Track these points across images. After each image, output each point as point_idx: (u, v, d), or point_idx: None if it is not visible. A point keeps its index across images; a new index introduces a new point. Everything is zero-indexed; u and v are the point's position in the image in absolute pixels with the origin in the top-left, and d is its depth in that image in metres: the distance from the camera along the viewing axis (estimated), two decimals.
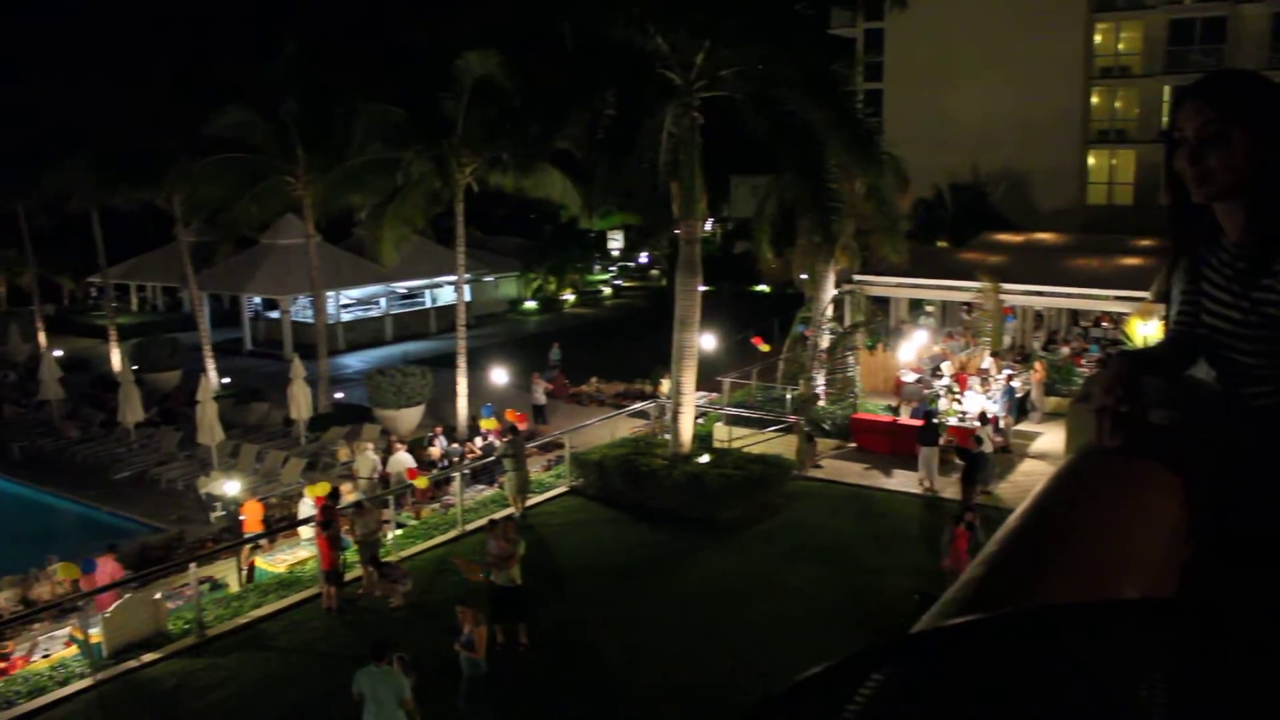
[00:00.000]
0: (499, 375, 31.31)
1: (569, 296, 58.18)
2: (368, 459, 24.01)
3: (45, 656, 16.66)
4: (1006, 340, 32.20)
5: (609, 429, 26.68)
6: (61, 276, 59.84)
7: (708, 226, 41.51)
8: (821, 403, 25.97)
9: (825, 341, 27.38)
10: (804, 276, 28.47)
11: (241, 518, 21.05)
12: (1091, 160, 47.52)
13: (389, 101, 27.69)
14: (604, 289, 62.81)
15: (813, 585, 17.58)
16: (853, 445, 25.50)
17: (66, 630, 17.44)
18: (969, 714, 1.00)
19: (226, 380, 35.20)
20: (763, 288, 52.10)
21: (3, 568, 20.30)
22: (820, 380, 26.89)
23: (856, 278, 30.37)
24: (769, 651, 14.99)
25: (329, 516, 17.10)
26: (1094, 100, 47.05)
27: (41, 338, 43.92)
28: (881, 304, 32.39)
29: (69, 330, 51.45)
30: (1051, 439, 24.99)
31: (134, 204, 38.27)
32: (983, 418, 23.54)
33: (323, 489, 19.97)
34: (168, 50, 49.40)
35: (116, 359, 39.26)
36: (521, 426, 27.50)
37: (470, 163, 27.61)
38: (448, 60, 26.13)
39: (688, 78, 20.84)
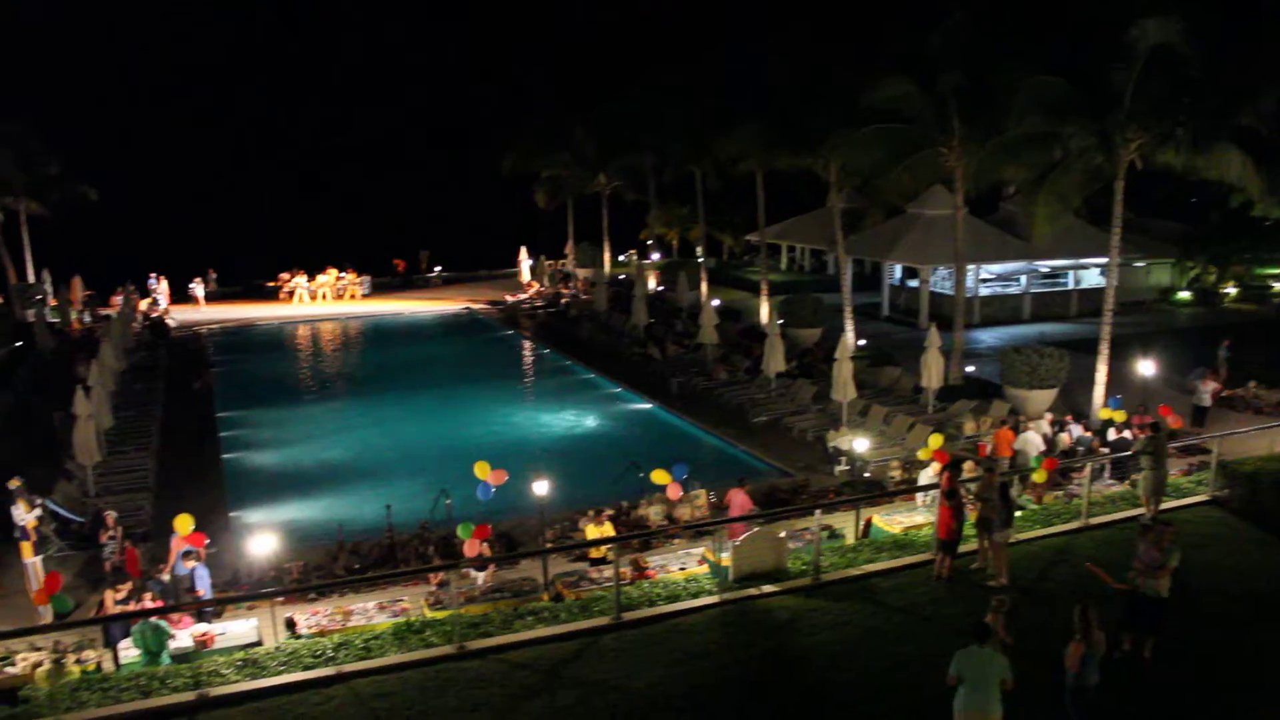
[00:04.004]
0: (1144, 367, 29.24)
1: (1230, 290, 52.74)
2: (1031, 439, 23.82)
3: (682, 569, 18.61)
4: None
5: (1266, 439, 23.91)
6: (723, 233, 65.73)
7: None
8: None
9: None
10: None
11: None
12: None
13: (1050, 72, 26.70)
14: (1274, 284, 56.06)
15: None
16: None
17: (701, 550, 19.36)
18: None
19: (863, 342, 36.54)
20: None
21: (654, 486, 22.87)
22: None
23: None
24: None
25: (953, 486, 17.14)
26: None
27: (703, 287, 48.74)
28: None
29: (725, 282, 56.37)
30: None
31: (792, 169, 40.67)
32: None
33: (940, 455, 20.23)
34: (835, 23, 51.65)
35: (765, 312, 42.55)
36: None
37: (1137, 138, 25.88)
38: (1118, 28, 24.67)
39: None
